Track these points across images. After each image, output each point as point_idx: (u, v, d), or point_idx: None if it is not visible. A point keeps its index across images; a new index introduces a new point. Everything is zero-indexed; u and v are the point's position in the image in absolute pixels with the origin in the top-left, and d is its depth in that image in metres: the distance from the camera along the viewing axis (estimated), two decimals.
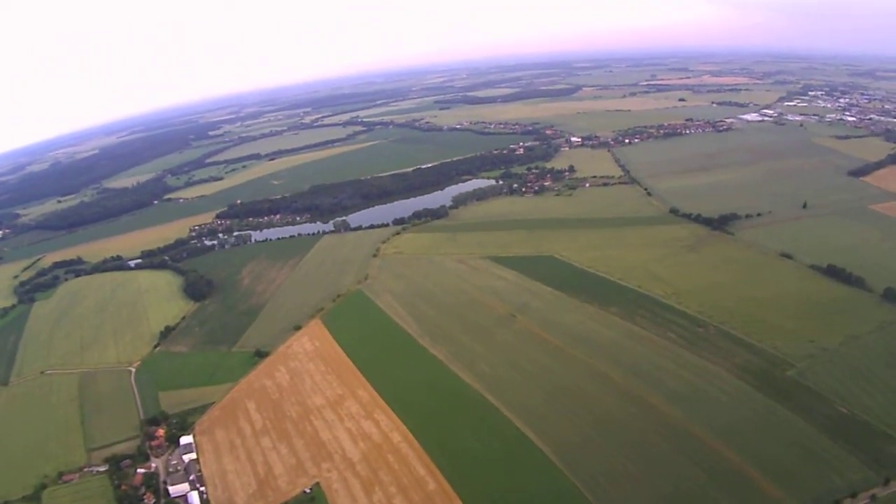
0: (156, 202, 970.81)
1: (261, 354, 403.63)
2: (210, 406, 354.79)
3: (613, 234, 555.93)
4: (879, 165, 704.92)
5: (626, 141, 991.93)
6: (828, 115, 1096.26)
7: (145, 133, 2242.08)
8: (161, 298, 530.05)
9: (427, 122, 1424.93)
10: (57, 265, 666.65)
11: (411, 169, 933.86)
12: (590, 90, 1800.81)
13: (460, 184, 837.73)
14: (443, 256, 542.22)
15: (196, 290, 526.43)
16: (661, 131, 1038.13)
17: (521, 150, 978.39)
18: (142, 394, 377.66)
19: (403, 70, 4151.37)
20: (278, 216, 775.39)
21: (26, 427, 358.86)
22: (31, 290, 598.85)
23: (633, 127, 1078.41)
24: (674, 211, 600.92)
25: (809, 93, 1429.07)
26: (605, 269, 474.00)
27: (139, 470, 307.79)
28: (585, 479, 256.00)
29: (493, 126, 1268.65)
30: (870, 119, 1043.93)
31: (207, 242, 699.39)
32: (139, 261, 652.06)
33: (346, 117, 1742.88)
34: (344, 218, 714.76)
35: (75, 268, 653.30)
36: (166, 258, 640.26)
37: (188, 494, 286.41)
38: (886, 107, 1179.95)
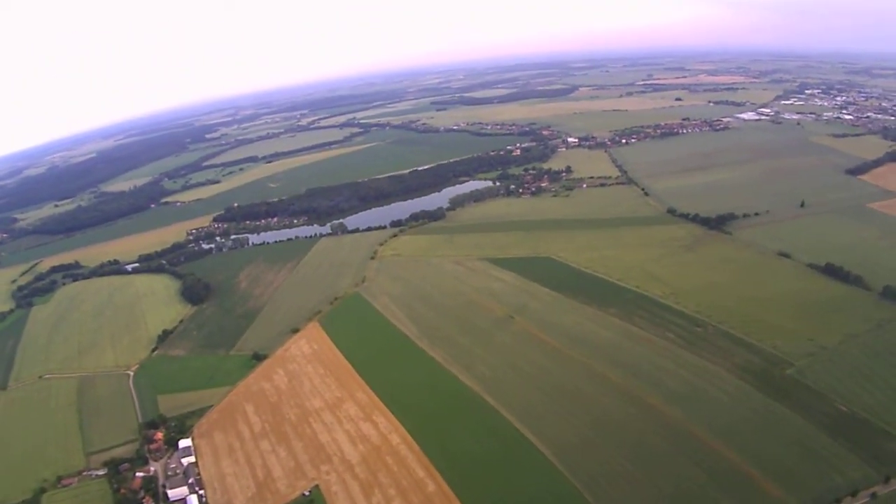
0: (153, 206, 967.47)
1: (259, 357, 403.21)
2: (208, 409, 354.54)
3: (611, 234, 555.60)
4: (877, 164, 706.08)
5: (623, 141, 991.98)
6: (825, 114, 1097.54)
7: (142, 136, 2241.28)
8: (159, 302, 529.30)
9: (424, 124, 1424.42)
10: (54, 269, 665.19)
11: (408, 171, 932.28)
12: (586, 90, 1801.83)
13: (457, 185, 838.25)
14: (440, 258, 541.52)
15: (194, 293, 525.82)
16: (658, 131, 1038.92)
17: (518, 151, 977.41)
18: (140, 397, 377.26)
19: (400, 71, 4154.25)
20: (275, 219, 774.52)
21: (25, 431, 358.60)
22: (29, 294, 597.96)
23: (629, 127, 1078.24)
24: (671, 211, 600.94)
25: (806, 91, 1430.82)
26: (602, 269, 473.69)
27: (138, 474, 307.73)
28: (585, 479, 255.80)
29: (489, 127, 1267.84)
30: (867, 117, 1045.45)
31: (205, 246, 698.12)
32: (137, 265, 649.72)
33: (342, 119, 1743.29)
34: (341, 220, 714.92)
35: (73, 272, 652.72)
36: (164, 262, 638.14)
37: (187, 498, 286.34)
38: (883, 104, 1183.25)
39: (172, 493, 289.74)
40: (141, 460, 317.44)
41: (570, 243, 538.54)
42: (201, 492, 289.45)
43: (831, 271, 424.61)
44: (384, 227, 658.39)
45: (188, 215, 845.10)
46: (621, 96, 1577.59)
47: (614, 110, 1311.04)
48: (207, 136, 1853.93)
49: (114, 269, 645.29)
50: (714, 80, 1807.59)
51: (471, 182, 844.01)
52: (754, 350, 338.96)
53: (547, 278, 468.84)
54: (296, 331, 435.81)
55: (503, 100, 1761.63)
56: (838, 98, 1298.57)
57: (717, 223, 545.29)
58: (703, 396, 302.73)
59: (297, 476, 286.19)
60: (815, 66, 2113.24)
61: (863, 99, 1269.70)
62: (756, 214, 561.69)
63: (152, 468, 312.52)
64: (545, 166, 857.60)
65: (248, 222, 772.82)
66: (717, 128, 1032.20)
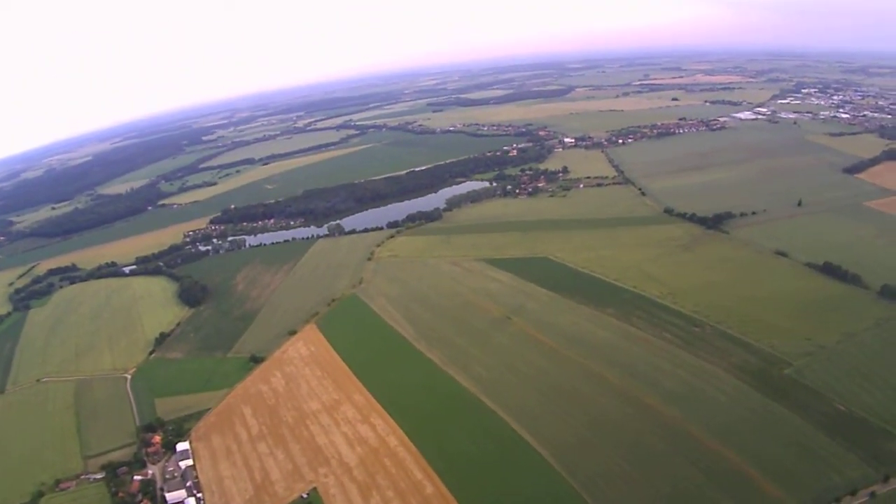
0: (150, 208, 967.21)
1: (256, 360, 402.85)
2: (206, 412, 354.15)
3: (608, 234, 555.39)
4: (874, 162, 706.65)
5: (620, 141, 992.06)
6: (821, 113, 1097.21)
7: (139, 139, 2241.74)
8: (156, 305, 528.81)
9: (420, 125, 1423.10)
10: (52, 272, 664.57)
11: (405, 172, 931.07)
12: (583, 91, 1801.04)
13: (454, 186, 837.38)
14: (437, 259, 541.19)
15: (191, 295, 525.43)
16: (655, 131, 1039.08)
17: (515, 152, 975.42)
18: (138, 400, 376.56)
19: (398, 72, 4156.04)
20: (272, 221, 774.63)
21: (23, 435, 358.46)
22: (27, 297, 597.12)
23: (626, 127, 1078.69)
24: (668, 210, 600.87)
25: (803, 90, 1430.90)
26: (600, 269, 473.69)
27: (136, 477, 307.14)
28: (583, 480, 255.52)
29: (486, 128, 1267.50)
30: (863, 116, 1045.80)
31: (202, 248, 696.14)
32: (134, 267, 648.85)
33: (338, 121, 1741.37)
34: (338, 222, 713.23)
35: (70, 275, 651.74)
36: (161, 264, 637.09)
37: (185, 501, 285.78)
38: (880, 103, 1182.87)
39: (170, 497, 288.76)
40: (139, 464, 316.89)
41: (567, 243, 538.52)
42: (199, 495, 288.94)
43: (829, 270, 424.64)
44: (381, 229, 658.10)
45: (185, 217, 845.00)
46: (618, 96, 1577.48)
47: (611, 110, 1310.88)
48: (204, 138, 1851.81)
49: (111, 271, 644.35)
50: (710, 79, 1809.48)
51: (467, 183, 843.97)
52: (752, 350, 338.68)
53: (544, 279, 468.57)
54: (293, 333, 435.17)
55: (499, 101, 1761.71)
56: (835, 97, 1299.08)
57: (715, 223, 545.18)
58: (701, 396, 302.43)
59: (294, 478, 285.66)
60: (812, 65, 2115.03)
61: (859, 98, 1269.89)
62: (753, 213, 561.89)
63: (150, 471, 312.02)
64: (542, 167, 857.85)
65: (244, 224, 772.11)
66: (714, 127, 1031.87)
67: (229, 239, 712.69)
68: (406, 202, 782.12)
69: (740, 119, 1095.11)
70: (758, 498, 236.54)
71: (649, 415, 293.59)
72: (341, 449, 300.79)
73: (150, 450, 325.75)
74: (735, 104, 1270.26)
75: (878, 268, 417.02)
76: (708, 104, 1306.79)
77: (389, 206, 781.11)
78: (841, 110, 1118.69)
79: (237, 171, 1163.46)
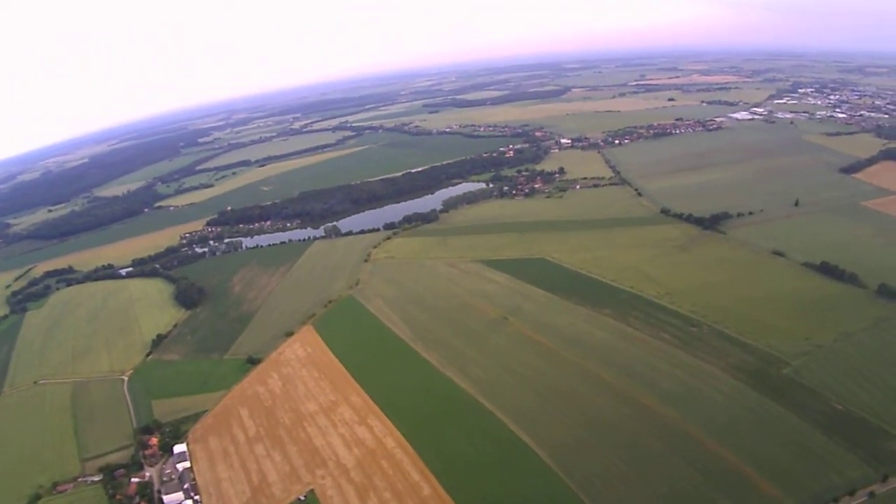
0: (146, 210, 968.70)
1: (253, 361, 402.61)
2: (203, 414, 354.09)
3: (605, 235, 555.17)
4: (871, 162, 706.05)
5: (616, 142, 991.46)
6: (818, 113, 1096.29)
7: (135, 141, 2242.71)
8: (152, 306, 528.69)
9: (416, 126, 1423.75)
10: (48, 274, 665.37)
11: (401, 173, 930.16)
12: (579, 91, 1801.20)
13: (450, 187, 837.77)
14: (434, 260, 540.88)
15: (187, 297, 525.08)
16: (651, 131, 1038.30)
17: (511, 153, 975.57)
18: (135, 402, 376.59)
19: (398, 72, 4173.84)
20: (269, 222, 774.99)
21: (20, 437, 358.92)
22: (23, 299, 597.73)
23: (622, 127, 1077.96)
24: (665, 211, 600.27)
25: (799, 90, 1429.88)
26: (596, 270, 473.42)
27: (133, 479, 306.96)
28: (580, 481, 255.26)
29: (482, 129, 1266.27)
30: (860, 115, 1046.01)
31: (198, 250, 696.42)
32: (130, 269, 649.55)
33: (335, 122, 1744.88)
34: (334, 223, 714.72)
35: (67, 277, 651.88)
36: (157, 266, 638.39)
37: (183, 503, 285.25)
38: (877, 103, 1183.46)
39: (168, 499, 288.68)
40: (136, 466, 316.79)
41: (564, 244, 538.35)
42: (197, 497, 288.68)
43: (826, 270, 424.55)
44: (377, 230, 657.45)
45: (182, 219, 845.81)
46: (614, 97, 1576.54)
47: (607, 111, 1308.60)
48: (200, 140, 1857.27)
49: (108, 273, 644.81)
50: (707, 79, 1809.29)
51: (464, 184, 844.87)
52: (749, 349, 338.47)
53: (541, 279, 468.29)
54: (290, 334, 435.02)
55: (495, 102, 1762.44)
56: (832, 97, 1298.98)
57: (711, 223, 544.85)
58: (699, 396, 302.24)
59: (292, 480, 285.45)
60: (809, 64, 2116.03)
61: (856, 97, 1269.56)
62: (750, 214, 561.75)
63: (147, 474, 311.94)
64: (538, 168, 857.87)
65: (241, 226, 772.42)
66: (711, 128, 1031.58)
67: (226, 241, 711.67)
68: (402, 203, 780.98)
69: (737, 119, 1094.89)
70: (756, 498, 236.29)
71: (647, 415, 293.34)
72: (338, 450, 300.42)
73: (148, 452, 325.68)
74: (731, 104, 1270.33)
75: (875, 267, 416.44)
76: (704, 104, 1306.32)
77: (386, 207, 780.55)
78: (838, 110, 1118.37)
79: (233, 173, 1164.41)
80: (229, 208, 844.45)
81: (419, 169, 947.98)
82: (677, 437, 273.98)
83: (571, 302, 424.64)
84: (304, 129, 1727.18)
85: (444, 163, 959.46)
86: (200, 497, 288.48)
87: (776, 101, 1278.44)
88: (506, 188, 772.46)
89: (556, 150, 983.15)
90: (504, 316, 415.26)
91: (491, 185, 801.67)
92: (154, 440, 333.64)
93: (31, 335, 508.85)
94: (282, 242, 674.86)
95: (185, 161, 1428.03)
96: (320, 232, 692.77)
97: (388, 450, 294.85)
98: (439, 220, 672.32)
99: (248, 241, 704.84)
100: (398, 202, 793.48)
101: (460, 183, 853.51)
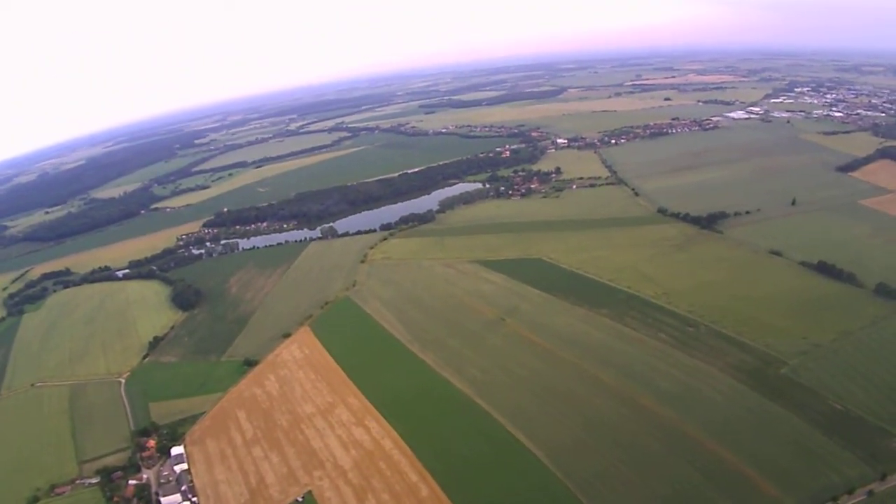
0: (143, 212, 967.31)
1: (250, 363, 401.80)
2: (200, 416, 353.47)
3: (602, 235, 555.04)
4: (868, 160, 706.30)
5: (613, 141, 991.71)
6: (815, 112, 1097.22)
7: (131, 143, 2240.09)
8: (149, 308, 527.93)
9: (412, 127, 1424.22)
10: (45, 276, 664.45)
11: (397, 174, 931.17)
12: (575, 91, 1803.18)
13: (447, 188, 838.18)
14: (431, 261, 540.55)
15: (184, 299, 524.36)
16: (648, 131, 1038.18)
17: (507, 153, 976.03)
18: (132, 405, 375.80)
19: (394, 73, 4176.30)
20: (265, 224, 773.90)
21: (18, 440, 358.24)
22: (20, 302, 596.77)
23: (619, 127, 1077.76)
24: (662, 211, 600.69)
25: (796, 89, 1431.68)
26: (594, 270, 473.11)
27: (131, 481, 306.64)
28: (579, 481, 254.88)
29: (478, 129, 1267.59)
30: (857, 114, 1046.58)
31: (195, 251, 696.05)
32: (127, 271, 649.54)
33: (330, 123, 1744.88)
34: (331, 224, 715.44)
35: (64, 279, 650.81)
36: (154, 268, 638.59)
37: None
38: (873, 101, 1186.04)
39: (165, 501, 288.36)
40: (133, 468, 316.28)
41: (561, 244, 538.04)
42: (194, 499, 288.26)
43: (824, 269, 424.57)
44: (374, 231, 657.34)
45: (178, 221, 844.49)
46: (610, 97, 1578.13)
47: (603, 111, 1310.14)
48: (197, 141, 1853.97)
49: (104, 275, 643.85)
50: (703, 79, 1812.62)
51: (460, 184, 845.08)
52: (747, 349, 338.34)
53: (538, 280, 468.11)
54: (287, 336, 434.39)
55: (492, 102, 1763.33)
56: (828, 95, 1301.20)
57: (709, 222, 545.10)
58: (697, 396, 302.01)
59: (289, 482, 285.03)
60: (805, 64, 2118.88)
61: (853, 96, 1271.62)
62: (747, 213, 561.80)
63: (145, 476, 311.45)
64: (535, 168, 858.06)
65: (237, 227, 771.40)
66: (707, 127, 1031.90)
67: (222, 242, 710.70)
68: (399, 204, 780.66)
69: (733, 118, 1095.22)
70: (755, 497, 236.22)
71: (645, 415, 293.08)
72: (336, 452, 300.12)
73: (145, 454, 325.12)
74: (728, 104, 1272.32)
75: (873, 266, 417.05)
76: (700, 104, 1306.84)
77: (382, 208, 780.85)
78: (834, 109, 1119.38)
79: (230, 175, 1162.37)
80: (226, 210, 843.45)
81: (415, 169, 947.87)
82: (676, 438, 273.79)
83: (568, 302, 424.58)
84: (301, 131, 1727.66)
85: (441, 163, 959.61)
86: (198, 499, 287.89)
87: (773, 101, 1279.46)
88: (502, 188, 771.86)
89: (553, 150, 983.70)
90: (501, 316, 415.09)
91: (487, 186, 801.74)
92: (151, 442, 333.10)
93: (28, 337, 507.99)
94: (278, 244, 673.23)
95: (182, 162, 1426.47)
96: (317, 233, 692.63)
97: (385, 451, 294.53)
98: (436, 221, 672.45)
99: (244, 243, 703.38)
100: (395, 203, 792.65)
101: (457, 183, 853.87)
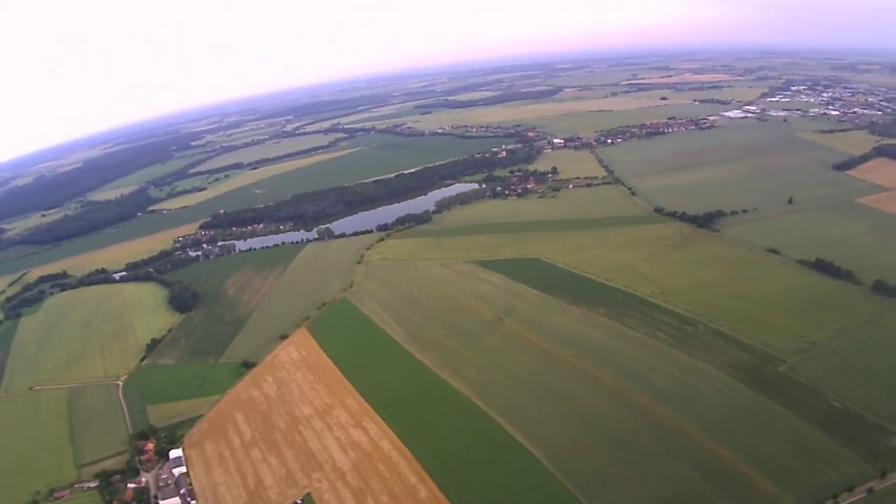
0: (139, 214, 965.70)
1: (247, 365, 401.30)
2: (198, 418, 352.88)
3: (598, 234, 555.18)
4: (864, 159, 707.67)
5: (609, 141, 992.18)
6: (811, 110, 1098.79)
7: (127, 145, 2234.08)
8: (147, 311, 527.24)
9: (408, 128, 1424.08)
10: (42, 279, 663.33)
11: (394, 174, 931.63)
12: (571, 91, 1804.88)
13: (443, 188, 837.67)
14: (427, 262, 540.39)
15: (181, 301, 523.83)
16: (644, 130, 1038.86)
17: (504, 153, 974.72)
18: (130, 408, 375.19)
19: (385, 75, 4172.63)
20: (262, 225, 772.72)
21: (16, 444, 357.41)
22: (18, 305, 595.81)
23: (615, 127, 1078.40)
24: (658, 210, 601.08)
25: (792, 88, 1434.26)
26: (591, 270, 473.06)
27: (130, 485, 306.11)
28: (578, 482, 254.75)
29: (474, 130, 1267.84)
30: (853, 112, 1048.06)
31: (192, 253, 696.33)
32: (124, 273, 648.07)
33: (327, 124, 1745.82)
34: (328, 225, 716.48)
35: (61, 282, 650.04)
36: (151, 270, 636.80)
37: None
38: (870, 100, 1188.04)
39: None
40: (132, 471, 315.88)
41: (558, 244, 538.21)
42: (193, 502, 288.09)
43: (821, 267, 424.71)
44: (371, 232, 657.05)
45: (175, 223, 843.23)
46: (606, 96, 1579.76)
47: (599, 110, 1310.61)
48: (193, 143, 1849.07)
49: (101, 278, 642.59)
50: (699, 78, 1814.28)
51: (457, 185, 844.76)
52: (745, 347, 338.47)
53: (535, 280, 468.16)
54: (284, 337, 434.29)
55: (488, 102, 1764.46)
56: (824, 94, 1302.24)
57: (706, 221, 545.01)
58: (695, 395, 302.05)
59: (288, 484, 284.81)
60: (801, 62, 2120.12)
61: (849, 94, 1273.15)
62: (744, 212, 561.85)
63: (144, 479, 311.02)
64: (531, 168, 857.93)
65: (234, 229, 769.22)
66: (703, 126, 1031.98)
67: (219, 244, 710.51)
68: (395, 205, 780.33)
69: (730, 117, 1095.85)
70: (755, 496, 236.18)
71: (643, 415, 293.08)
72: (334, 454, 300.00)
73: (144, 457, 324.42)
74: (724, 103, 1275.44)
75: (870, 264, 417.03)
76: (697, 103, 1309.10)
77: (379, 209, 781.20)
78: (831, 107, 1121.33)
79: (226, 176, 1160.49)
80: (222, 211, 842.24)
81: (412, 170, 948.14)
82: (675, 437, 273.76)
83: (566, 302, 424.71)
84: (297, 132, 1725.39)
85: (437, 164, 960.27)
86: (197, 502, 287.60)
87: (769, 99, 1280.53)
88: (499, 188, 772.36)
89: (549, 150, 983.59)
90: (499, 317, 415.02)
91: (484, 186, 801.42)
92: (150, 445, 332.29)
93: (25, 341, 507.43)
94: (275, 245, 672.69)
95: (178, 164, 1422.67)
96: (313, 234, 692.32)
97: (384, 452, 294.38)
98: (432, 221, 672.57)
99: (241, 244, 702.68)
100: (391, 203, 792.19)
101: (453, 184, 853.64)
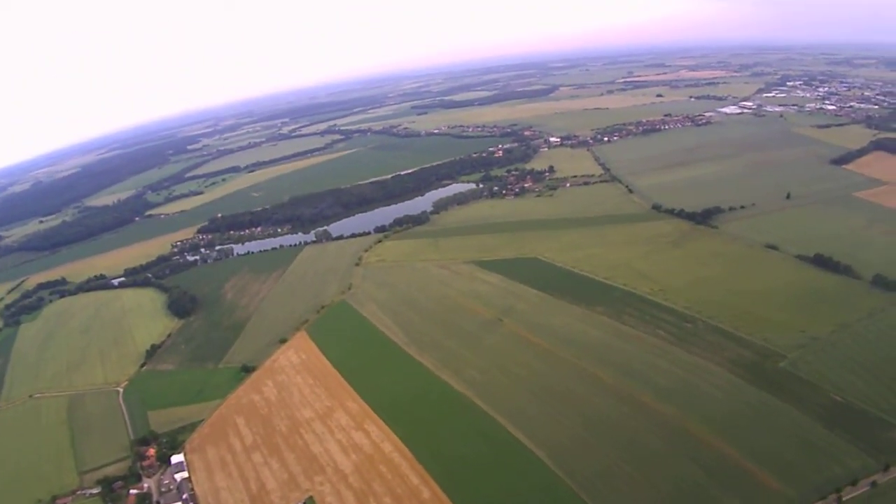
0: (137, 219, 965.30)
1: (247, 369, 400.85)
2: (199, 423, 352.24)
3: (596, 232, 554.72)
4: (862, 153, 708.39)
5: (605, 139, 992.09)
6: (807, 105, 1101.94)
7: (124, 150, 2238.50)
8: (146, 316, 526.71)
9: (405, 128, 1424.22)
10: (41, 286, 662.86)
11: (391, 176, 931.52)
12: (567, 90, 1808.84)
13: (440, 189, 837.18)
14: (426, 263, 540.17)
15: (180, 306, 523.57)
16: (640, 128, 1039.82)
17: (500, 153, 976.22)
18: (131, 414, 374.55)
19: (381, 76, 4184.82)
20: (259, 228, 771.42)
21: (18, 451, 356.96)
22: (17, 312, 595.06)
23: (611, 125, 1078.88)
24: (656, 207, 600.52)
25: (788, 83, 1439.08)
26: (589, 268, 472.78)
27: (132, 491, 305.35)
28: (581, 481, 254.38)
29: (471, 129, 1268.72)
30: (850, 107, 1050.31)
31: (190, 258, 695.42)
32: (122, 279, 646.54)
33: (323, 126, 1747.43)
34: (325, 228, 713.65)
35: (59, 288, 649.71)
36: (149, 275, 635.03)
37: None
38: (866, 94, 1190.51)
39: None
40: (134, 477, 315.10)
41: (556, 243, 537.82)
42: None
43: (820, 262, 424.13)
44: (368, 233, 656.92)
45: (172, 227, 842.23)
46: (602, 94, 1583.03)
47: (595, 109, 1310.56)
48: (189, 147, 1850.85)
49: (100, 283, 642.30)
50: (695, 75, 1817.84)
51: (454, 185, 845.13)
52: (745, 344, 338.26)
53: (533, 279, 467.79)
54: (283, 341, 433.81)
55: (483, 102, 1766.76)
56: (820, 89, 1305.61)
57: (703, 218, 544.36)
58: (697, 392, 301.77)
59: (290, 488, 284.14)
60: (797, 57, 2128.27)
61: (845, 89, 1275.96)
62: (742, 208, 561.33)
63: (146, 485, 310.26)
64: (528, 167, 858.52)
65: (232, 232, 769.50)
66: (700, 123, 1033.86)
67: (217, 248, 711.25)
68: (393, 206, 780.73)
69: (726, 113, 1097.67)
70: (758, 492, 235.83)
71: (645, 413, 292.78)
72: (336, 457, 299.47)
73: (145, 463, 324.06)
74: (720, 99, 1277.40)
75: (869, 258, 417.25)
76: (693, 100, 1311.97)
77: (376, 210, 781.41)
78: (827, 102, 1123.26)
79: (223, 180, 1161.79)
80: (220, 215, 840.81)
81: (409, 171, 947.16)
82: (677, 434, 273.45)
83: (565, 301, 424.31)
84: (293, 134, 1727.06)
85: (434, 164, 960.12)
86: None
87: (765, 95, 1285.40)
88: (496, 188, 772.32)
89: (546, 149, 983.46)
90: (498, 317, 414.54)
91: (481, 186, 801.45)
92: (151, 451, 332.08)
93: (25, 348, 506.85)
94: (273, 248, 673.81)
95: (175, 169, 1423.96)
96: (311, 237, 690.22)
97: (385, 454, 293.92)
98: (430, 222, 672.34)
99: (239, 248, 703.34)
100: (388, 205, 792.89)
101: (450, 184, 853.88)
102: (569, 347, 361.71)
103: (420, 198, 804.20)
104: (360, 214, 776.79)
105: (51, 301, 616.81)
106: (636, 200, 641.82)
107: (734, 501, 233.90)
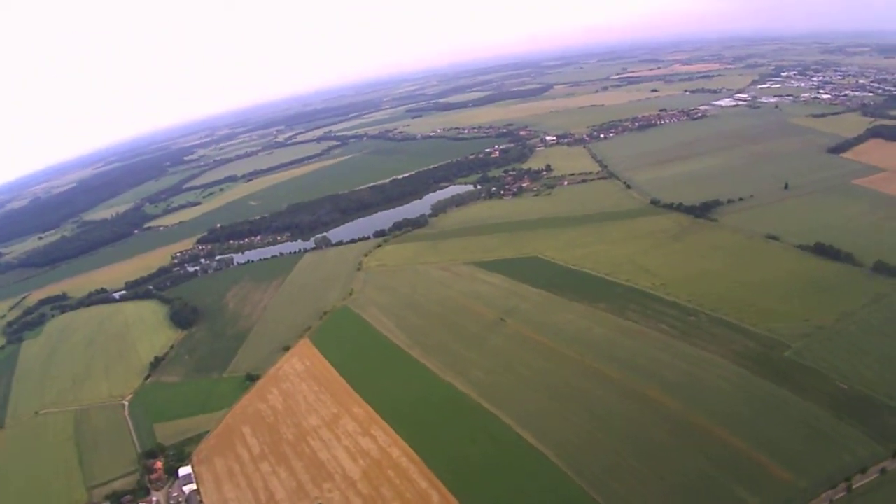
0: (136, 232, 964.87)
1: (252, 378, 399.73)
2: (206, 434, 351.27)
3: (596, 229, 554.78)
4: (858, 140, 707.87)
5: (602, 136, 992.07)
6: (802, 95, 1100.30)
7: (120, 163, 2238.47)
8: (148, 329, 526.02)
9: (400, 132, 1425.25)
10: (42, 302, 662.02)
11: (388, 180, 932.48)
12: (561, 88, 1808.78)
13: (438, 191, 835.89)
14: (426, 265, 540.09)
15: (182, 317, 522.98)
16: (636, 124, 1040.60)
17: (497, 153, 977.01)
18: (137, 427, 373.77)
19: (376, 81, 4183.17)
20: (259, 237, 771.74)
21: (27, 469, 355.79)
22: (19, 329, 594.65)
23: (607, 121, 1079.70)
24: (655, 202, 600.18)
25: (782, 74, 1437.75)
26: (590, 265, 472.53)
27: None
28: (591, 479, 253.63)
29: (466, 131, 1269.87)
30: (845, 95, 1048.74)
31: (190, 269, 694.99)
32: (124, 292, 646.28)
33: (319, 133, 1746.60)
34: (324, 234, 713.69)
35: (61, 304, 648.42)
36: (150, 287, 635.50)
37: None
38: (861, 82, 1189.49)
39: None
40: (143, 491, 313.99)
41: (556, 241, 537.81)
42: None
43: (821, 250, 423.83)
44: (368, 238, 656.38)
45: (171, 239, 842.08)
46: (597, 91, 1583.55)
47: (591, 106, 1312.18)
48: (186, 158, 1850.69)
49: (101, 298, 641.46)
50: (688, 69, 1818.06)
51: (451, 187, 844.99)
52: (750, 335, 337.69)
53: (535, 278, 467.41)
54: (287, 349, 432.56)
55: (478, 103, 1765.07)
56: (815, 78, 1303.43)
57: (703, 211, 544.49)
58: (703, 385, 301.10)
59: (299, 496, 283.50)
60: (790, 48, 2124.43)
61: (839, 77, 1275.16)
62: (741, 199, 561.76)
63: (154, 498, 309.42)
64: (525, 166, 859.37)
65: (231, 242, 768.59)
66: (695, 116, 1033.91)
67: (217, 258, 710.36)
68: (391, 210, 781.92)
69: (721, 106, 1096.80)
70: (769, 482, 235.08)
71: (652, 407, 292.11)
72: (344, 463, 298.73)
73: (153, 476, 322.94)
74: (715, 92, 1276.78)
75: (870, 245, 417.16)
76: (687, 93, 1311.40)
77: (375, 215, 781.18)
78: (822, 91, 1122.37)
79: (221, 190, 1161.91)
80: (219, 225, 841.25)
81: (406, 174, 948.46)
82: (685, 428, 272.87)
83: (567, 299, 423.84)
84: (289, 142, 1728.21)
85: (431, 167, 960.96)
86: None
87: (759, 86, 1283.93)
88: (494, 189, 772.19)
89: (542, 148, 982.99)
90: (501, 317, 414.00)
91: (479, 187, 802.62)
92: (159, 464, 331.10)
93: (29, 365, 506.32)
94: (273, 256, 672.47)
95: (172, 180, 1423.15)
96: (311, 244, 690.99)
97: (393, 459, 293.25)
98: (429, 225, 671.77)
99: (239, 257, 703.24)
100: (387, 209, 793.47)
101: (448, 186, 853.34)
102: (572, 345, 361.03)
103: (418, 201, 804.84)
104: (358, 219, 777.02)
105: (53, 317, 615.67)
106: (634, 196, 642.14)
107: (744, 493, 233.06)
